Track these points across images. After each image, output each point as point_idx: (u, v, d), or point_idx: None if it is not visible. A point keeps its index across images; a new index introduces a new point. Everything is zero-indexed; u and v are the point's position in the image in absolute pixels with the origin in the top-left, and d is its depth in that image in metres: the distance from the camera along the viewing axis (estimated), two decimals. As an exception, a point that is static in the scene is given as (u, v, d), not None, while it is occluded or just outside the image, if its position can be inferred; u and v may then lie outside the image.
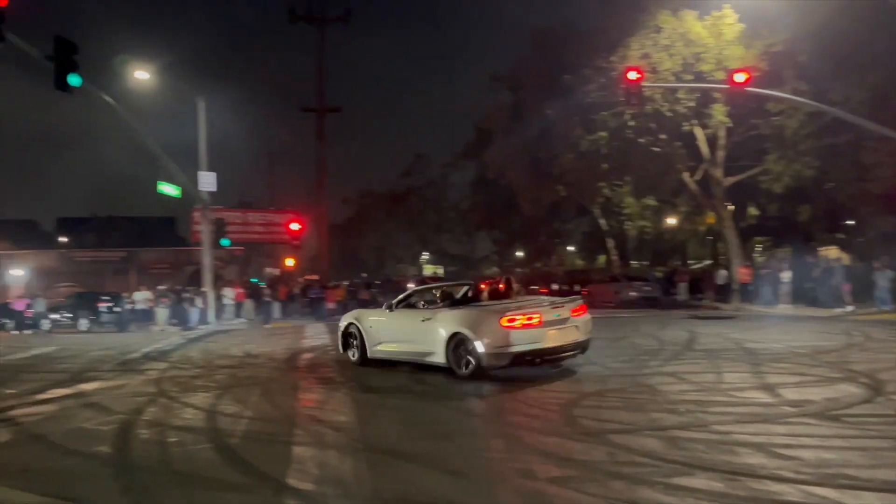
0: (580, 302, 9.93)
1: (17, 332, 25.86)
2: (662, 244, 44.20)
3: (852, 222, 32.09)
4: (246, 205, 42.78)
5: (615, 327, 17.21)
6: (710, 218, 33.06)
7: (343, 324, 12.04)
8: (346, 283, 36.69)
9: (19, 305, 27.78)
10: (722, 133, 26.36)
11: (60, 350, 17.09)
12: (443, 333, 9.69)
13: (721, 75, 22.48)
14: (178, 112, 25.42)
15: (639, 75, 20.06)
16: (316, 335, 18.70)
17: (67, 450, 6.43)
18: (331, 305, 28.43)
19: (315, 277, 35.80)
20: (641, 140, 26.52)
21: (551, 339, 9.17)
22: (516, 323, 9.00)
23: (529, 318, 9.06)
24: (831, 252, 28.87)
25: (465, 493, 4.85)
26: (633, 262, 48.92)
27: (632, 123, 25.93)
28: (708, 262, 41.80)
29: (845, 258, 26.35)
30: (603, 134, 27.00)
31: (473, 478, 5.19)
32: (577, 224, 51.19)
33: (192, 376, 11.27)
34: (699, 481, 4.76)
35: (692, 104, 25.02)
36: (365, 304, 29.37)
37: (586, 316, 9.85)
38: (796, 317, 19.34)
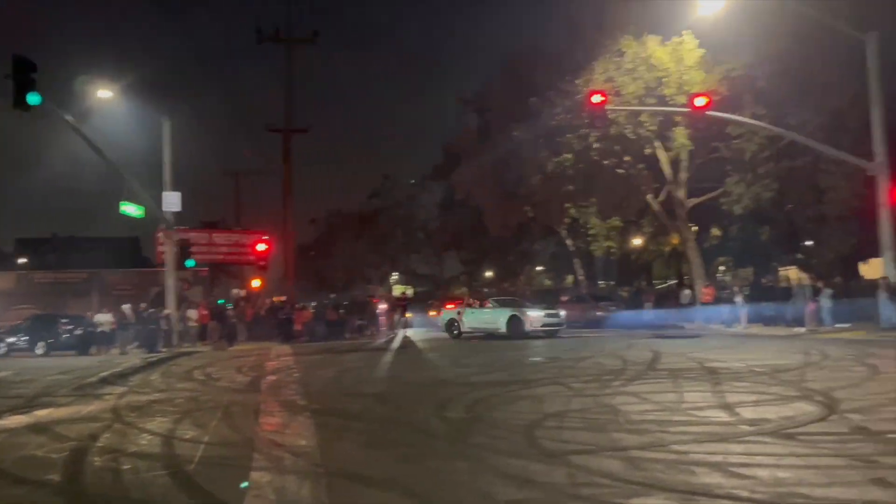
0: None
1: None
2: (628, 264, 44.73)
3: (811, 243, 32.90)
4: (210, 225, 42.26)
5: (581, 347, 17.33)
6: (675, 239, 33.57)
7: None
8: (313, 304, 36.34)
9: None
10: (684, 156, 26.83)
11: (15, 374, 16.60)
12: None
13: (682, 99, 22.96)
14: (142, 132, 25.07)
15: (603, 98, 20.45)
16: (281, 357, 18.47)
17: (17, 478, 6.22)
18: (298, 327, 28.15)
19: (282, 299, 35.43)
20: (606, 162, 26.89)
21: None
22: None
23: None
24: (791, 273, 29.44)
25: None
26: (601, 282, 49.38)
27: (597, 146, 26.29)
28: (672, 281, 42.35)
29: (804, 279, 26.93)
30: (568, 156, 27.34)
31: (434, 500, 5.15)
32: (545, 244, 51.53)
33: (152, 401, 11.03)
34: (656, 502, 4.78)
35: (655, 127, 25.48)
36: (333, 326, 29.16)
37: None
38: (757, 336, 19.66)
